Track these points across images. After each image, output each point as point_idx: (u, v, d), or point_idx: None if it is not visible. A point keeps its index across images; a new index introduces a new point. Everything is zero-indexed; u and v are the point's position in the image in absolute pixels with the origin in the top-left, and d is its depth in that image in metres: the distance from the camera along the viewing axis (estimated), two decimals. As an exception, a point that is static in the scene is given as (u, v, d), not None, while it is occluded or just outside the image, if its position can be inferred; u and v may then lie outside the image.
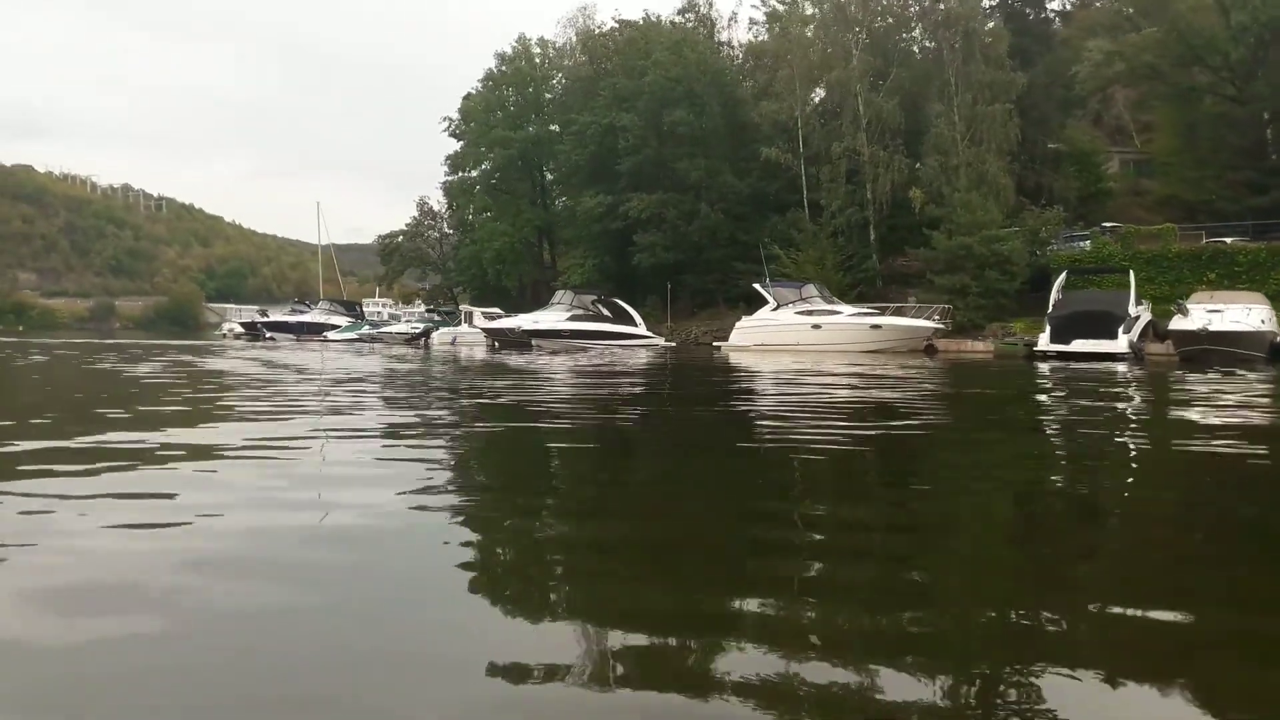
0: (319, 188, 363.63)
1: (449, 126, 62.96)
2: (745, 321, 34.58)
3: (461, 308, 44.58)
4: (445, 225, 64.63)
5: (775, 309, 33.67)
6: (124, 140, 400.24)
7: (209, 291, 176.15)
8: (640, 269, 48.11)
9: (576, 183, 52.72)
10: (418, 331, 43.88)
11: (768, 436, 7.16)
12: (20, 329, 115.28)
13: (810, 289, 34.33)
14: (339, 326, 52.88)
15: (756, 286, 35.13)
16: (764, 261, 37.82)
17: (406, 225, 65.56)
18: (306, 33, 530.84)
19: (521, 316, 38.76)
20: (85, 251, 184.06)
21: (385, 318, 57.38)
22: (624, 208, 47.45)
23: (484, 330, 38.92)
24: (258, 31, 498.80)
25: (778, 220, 45.30)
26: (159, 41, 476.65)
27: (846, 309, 33.43)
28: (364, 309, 60.85)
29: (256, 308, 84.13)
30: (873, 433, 7.43)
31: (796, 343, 31.51)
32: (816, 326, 32.28)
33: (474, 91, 60.35)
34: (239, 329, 59.55)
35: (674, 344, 38.88)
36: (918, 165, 41.97)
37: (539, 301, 49.55)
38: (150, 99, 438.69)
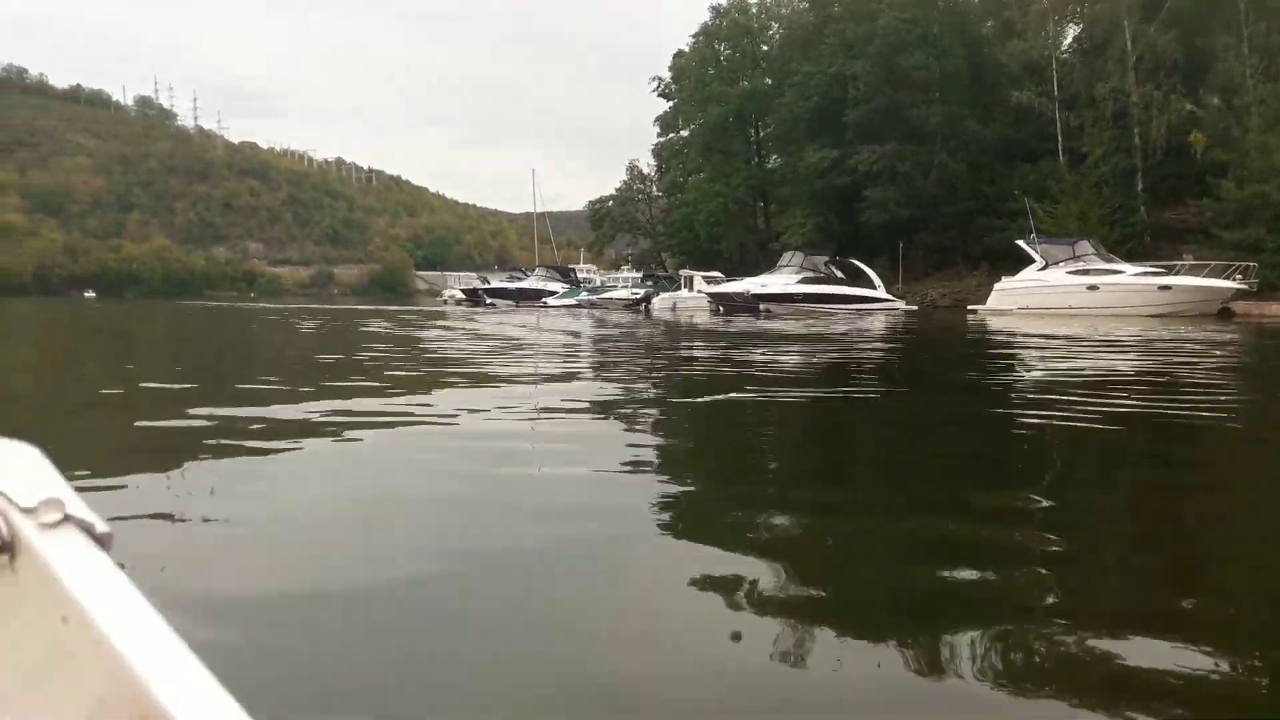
0: (518, 157, 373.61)
1: (658, 87, 61.17)
2: (1006, 282, 30.99)
3: (681, 272, 42.70)
4: (655, 189, 62.94)
5: (1043, 268, 29.99)
6: (337, 116, 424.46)
7: (417, 259, 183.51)
8: (867, 227, 44.81)
9: (796, 138, 49.69)
10: (638, 297, 42.36)
11: (1033, 412, 6.23)
12: (252, 295, 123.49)
13: (1085, 246, 30.37)
14: (556, 292, 52.42)
15: (1021, 243, 31.37)
16: (1029, 215, 33.78)
17: (616, 190, 64.45)
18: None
19: (748, 280, 36.45)
20: (305, 222, 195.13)
21: (597, 284, 56.43)
22: (851, 161, 44.24)
23: (709, 295, 36.87)
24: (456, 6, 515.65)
25: (1028, 170, 40.93)
26: (359, 20, 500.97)
27: (1129, 268, 29.32)
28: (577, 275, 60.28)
29: (477, 275, 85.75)
30: (1172, 410, 6.30)
31: (1068, 306, 27.93)
32: (1093, 288, 28.47)
33: (686, 48, 58.12)
34: (460, 295, 60.19)
35: (914, 307, 35.62)
36: (1190, 107, 36.88)
37: (752, 264, 47.12)
38: (358, 76, 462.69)
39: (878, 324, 24.03)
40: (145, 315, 33.12)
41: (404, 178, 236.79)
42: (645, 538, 2.99)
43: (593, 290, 51.35)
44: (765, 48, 56.83)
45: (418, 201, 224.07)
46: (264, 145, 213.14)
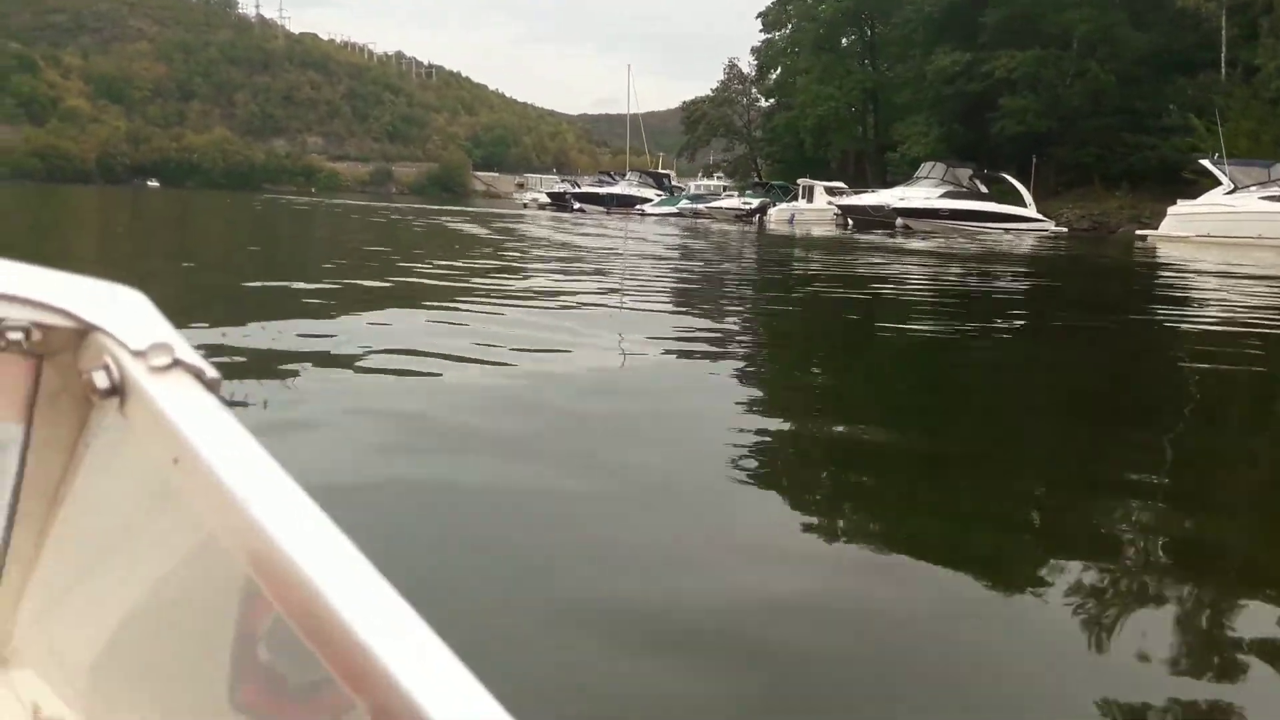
0: (575, 54, 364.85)
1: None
2: (1184, 206, 28.15)
3: (800, 182, 39.89)
4: (755, 90, 59.40)
5: (1230, 192, 27.12)
6: (398, 6, 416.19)
7: (475, 159, 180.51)
8: (997, 139, 41.74)
9: (920, 39, 46.14)
10: (750, 207, 39.70)
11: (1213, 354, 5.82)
12: (313, 190, 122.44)
13: (1283, 169, 27.37)
14: (650, 200, 50.00)
15: (1205, 163, 28.42)
16: (1219, 128, 30.50)
17: (712, 91, 60.92)
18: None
19: (884, 192, 33.86)
20: (364, 117, 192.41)
21: (692, 191, 53.52)
22: (987, 67, 40.93)
23: (840, 207, 34.39)
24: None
25: (1185, 83, 37.50)
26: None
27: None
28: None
29: (559, 177, 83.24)
30: None
31: (1259, 235, 25.16)
32: None
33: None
34: (543, 198, 57.96)
35: (1064, 229, 32.92)
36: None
37: (862, 175, 44.38)
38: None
39: (1034, 246, 22.61)
40: (227, 210, 31.91)
41: (463, 74, 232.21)
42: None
43: (694, 198, 48.72)
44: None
45: (476, 99, 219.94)
46: (324, 37, 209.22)
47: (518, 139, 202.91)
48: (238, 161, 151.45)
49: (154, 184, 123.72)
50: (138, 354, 0.61)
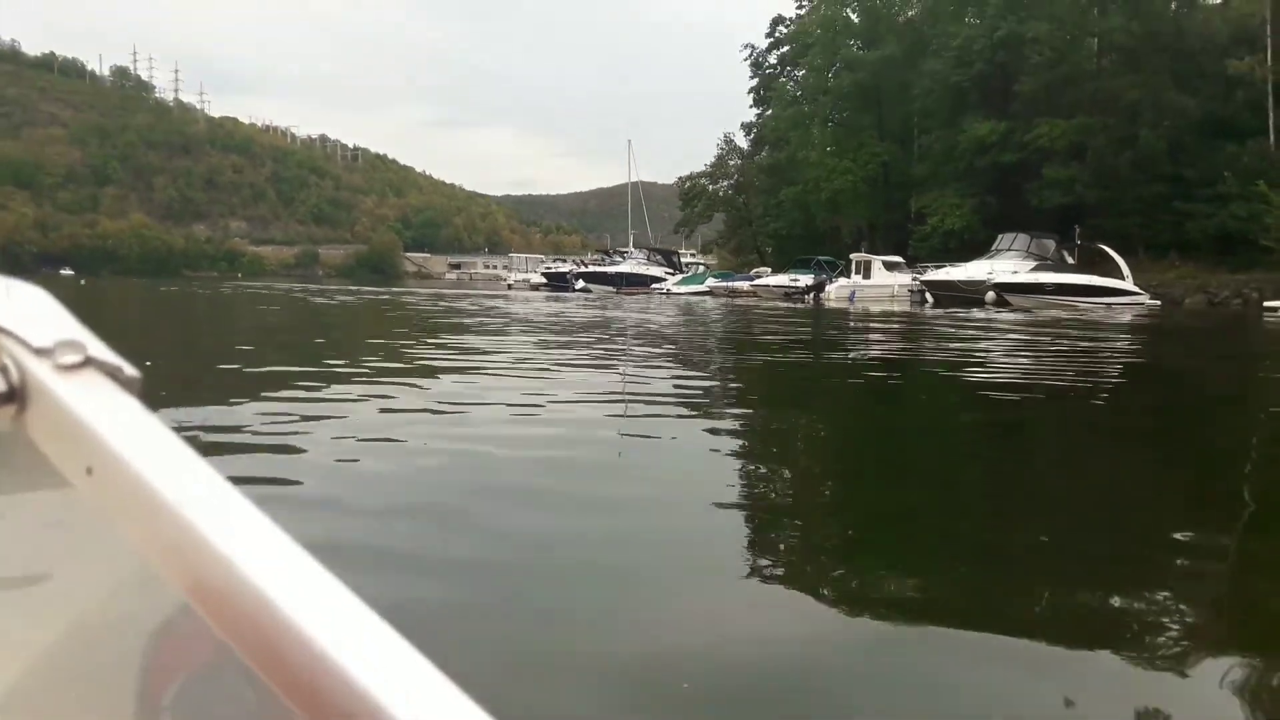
0: (492, 138, 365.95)
1: (750, 55, 56.34)
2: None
3: (854, 257, 37.45)
4: (753, 165, 57.43)
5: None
6: (318, 93, 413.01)
7: (405, 240, 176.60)
8: (1035, 211, 40.29)
9: (943, 111, 44.92)
10: (806, 284, 36.91)
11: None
12: (239, 275, 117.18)
13: None
14: (661, 279, 47.23)
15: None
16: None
17: (707, 166, 58.83)
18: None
19: (969, 266, 31.63)
20: (290, 200, 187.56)
21: (700, 270, 50.80)
22: (1028, 135, 39.65)
23: (924, 283, 32.08)
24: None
25: (1235, 150, 36.65)
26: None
27: None
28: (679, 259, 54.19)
29: (541, 256, 79.89)
30: None
31: None
32: None
33: (800, 13, 53.02)
34: (536, 279, 54.66)
35: (1158, 302, 31.17)
36: None
37: (874, 250, 42.59)
38: (338, 51, 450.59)
39: (1143, 320, 21.46)
40: (160, 300, 27.83)
41: (390, 156, 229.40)
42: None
43: (721, 276, 45.99)
44: (911, 11, 51.56)
45: (404, 181, 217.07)
46: (245, 121, 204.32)
47: (448, 219, 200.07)
48: (155, 247, 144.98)
49: (68, 272, 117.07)
50: (41, 352, 0.53)
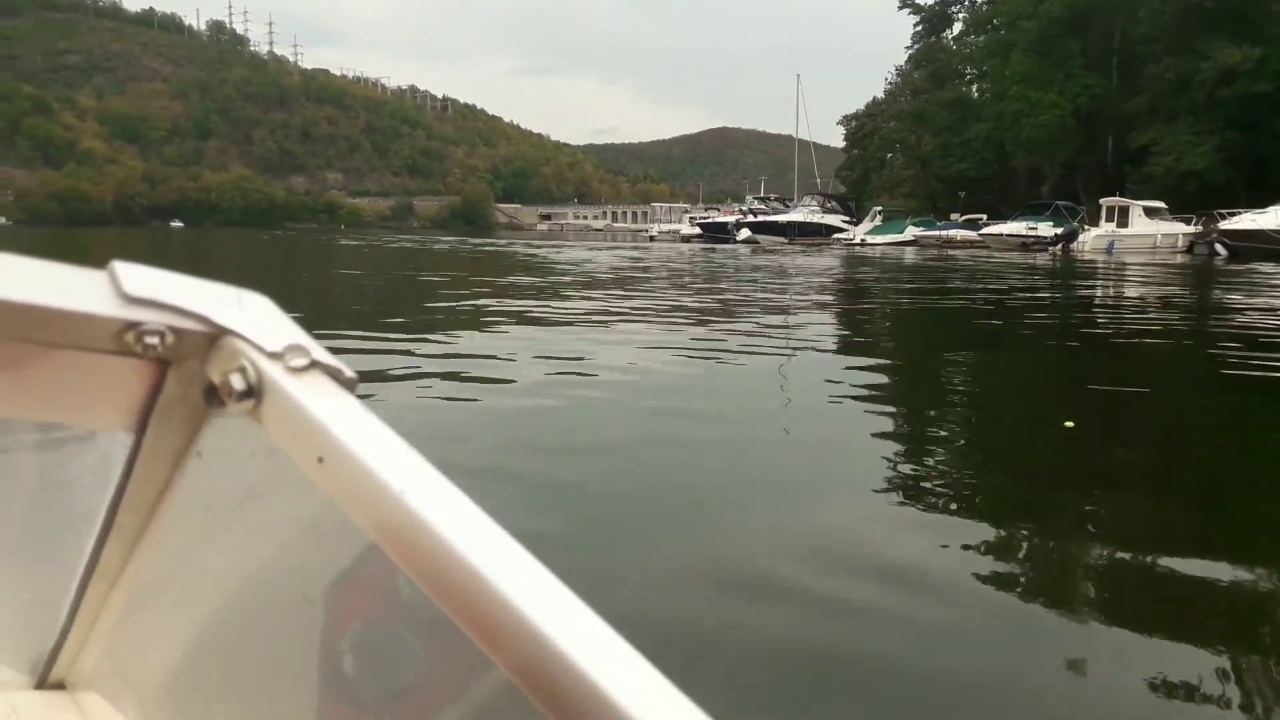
0: (575, 85, 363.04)
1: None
2: None
3: (1105, 202, 34.51)
4: (935, 100, 54.44)
5: None
6: (405, 44, 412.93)
7: (496, 191, 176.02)
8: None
9: (1172, 35, 41.50)
10: (1054, 234, 34.39)
11: None
12: (343, 227, 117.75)
13: None
14: (842, 229, 44.95)
15: None
16: None
17: (866, 106, 55.86)
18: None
19: (1273, 211, 28.97)
20: (384, 151, 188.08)
21: (877, 219, 48.25)
22: (1287, 63, 36.67)
23: (1223, 232, 29.54)
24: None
25: None
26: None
27: None
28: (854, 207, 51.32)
29: (704, 206, 77.47)
30: None
31: None
32: None
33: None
34: (688, 229, 52.62)
35: None
36: None
37: (1074, 194, 39.97)
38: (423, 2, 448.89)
39: None
40: (300, 252, 26.64)
41: (479, 106, 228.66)
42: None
43: (922, 223, 43.63)
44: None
45: (493, 130, 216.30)
46: (336, 73, 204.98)
47: (537, 170, 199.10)
48: (257, 199, 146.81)
49: (178, 224, 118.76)
50: (274, 356, 0.60)
